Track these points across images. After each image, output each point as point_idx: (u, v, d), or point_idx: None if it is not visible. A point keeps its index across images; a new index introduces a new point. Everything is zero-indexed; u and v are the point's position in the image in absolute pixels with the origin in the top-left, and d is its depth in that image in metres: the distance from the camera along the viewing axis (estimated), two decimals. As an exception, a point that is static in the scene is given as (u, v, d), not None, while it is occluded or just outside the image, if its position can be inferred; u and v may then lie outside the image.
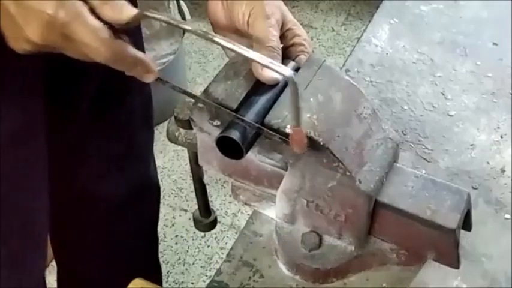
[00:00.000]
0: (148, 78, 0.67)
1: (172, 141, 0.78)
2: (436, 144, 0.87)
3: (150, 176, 1.21)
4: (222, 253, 1.83)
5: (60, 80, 0.89)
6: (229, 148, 0.68)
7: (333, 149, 0.66)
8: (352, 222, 0.70)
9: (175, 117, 0.74)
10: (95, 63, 0.65)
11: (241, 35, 0.75)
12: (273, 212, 0.75)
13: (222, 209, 1.93)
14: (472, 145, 0.87)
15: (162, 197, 1.35)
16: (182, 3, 1.96)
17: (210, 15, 0.78)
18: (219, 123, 0.69)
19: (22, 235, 0.95)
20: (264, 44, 0.71)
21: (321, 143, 0.66)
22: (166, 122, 0.78)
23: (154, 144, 1.20)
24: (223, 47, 0.64)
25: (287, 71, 0.62)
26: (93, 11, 0.62)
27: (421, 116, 0.91)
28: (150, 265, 1.34)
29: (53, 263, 1.47)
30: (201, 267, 1.82)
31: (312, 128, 0.66)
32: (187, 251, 1.86)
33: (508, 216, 0.80)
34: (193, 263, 1.83)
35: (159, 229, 1.31)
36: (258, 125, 0.67)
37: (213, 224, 0.88)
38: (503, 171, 0.84)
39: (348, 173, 0.67)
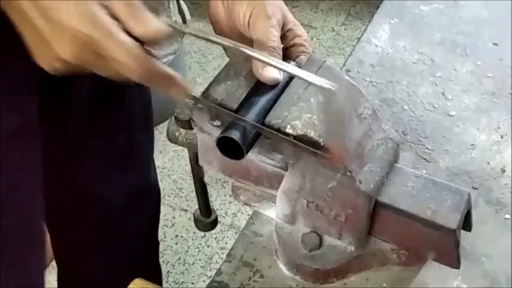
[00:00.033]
0: (179, 96, 0.66)
1: (172, 141, 0.78)
2: (436, 144, 0.87)
3: (150, 177, 1.21)
4: (222, 253, 1.83)
5: (58, 80, 0.89)
6: (230, 148, 0.68)
7: (332, 149, 0.66)
8: (352, 223, 0.70)
9: (176, 118, 0.74)
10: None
11: (242, 35, 0.75)
12: (273, 212, 0.75)
13: (222, 209, 1.93)
14: (472, 145, 0.87)
15: (162, 197, 1.35)
16: (182, 3, 1.96)
17: (210, 16, 0.78)
18: (219, 123, 0.69)
19: (21, 235, 0.95)
20: (265, 44, 0.71)
21: (321, 143, 0.66)
22: (166, 122, 0.78)
23: (155, 144, 1.20)
24: (248, 55, 0.64)
25: (324, 82, 0.61)
26: (123, 28, 0.60)
27: (421, 116, 0.91)
28: (150, 266, 1.34)
29: (53, 263, 1.47)
30: (201, 267, 1.82)
31: (312, 128, 0.66)
32: (187, 251, 1.86)
33: (508, 216, 0.80)
34: (193, 263, 1.83)
35: (159, 229, 1.31)
36: (258, 125, 0.67)
37: (214, 224, 0.88)
38: (503, 171, 0.84)
39: (348, 173, 0.67)
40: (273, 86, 0.71)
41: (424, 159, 0.85)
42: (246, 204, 0.79)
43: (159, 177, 1.27)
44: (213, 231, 1.83)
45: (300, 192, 0.71)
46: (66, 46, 0.60)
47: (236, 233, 1.87)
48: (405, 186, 0.70)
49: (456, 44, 1.02)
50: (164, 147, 2.09)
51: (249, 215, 0.86)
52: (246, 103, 0.69)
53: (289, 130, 0.67)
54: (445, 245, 0.68)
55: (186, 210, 1.95)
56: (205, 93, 0.70)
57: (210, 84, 0.71)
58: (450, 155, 0.86)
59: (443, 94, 0.94)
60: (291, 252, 0.73)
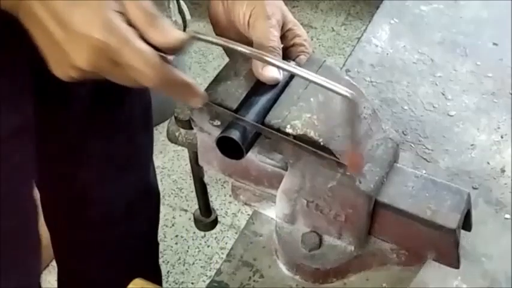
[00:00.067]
0: (196, 103, 0.66)
1: (172, 141, 0.78)
2: (436, 144, 0.87)
3: (150, 178, 1.21)
4: (222, 253, 1.83)
5: (55, 79, 0.89)
6: (230, 148, 0.68)
7: (333, 149, 0.67)
8: (352, 222, 0.70)
9: (176, 118, 0.74)
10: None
11: (242, 35, 0.75)
12: (273, 212, 0.75)
13: (222, 209, 1.93)
14: (472, 145, 0.87)
15: (162, 197, 1.35)
16: (182, 3, 1.96)
17: (210, 16, 0.78)
18: (219, 123, 0.69)
19: (21, 235, 0.95)
20: (265, 44, 0.71)
21: (321, 143, 0.66)
22: (166, 122, 0.78)
23: (155, 144, 1.20)
24: (251, 56, 0.64)
25: (344, 90, 0.60)
26: (140, 35, 0.60)
27: (421, 116, 0.91)
28: (150, 266, 1.35)
29: (53, 263, 1.47)
30: (201, 267, 1.82)
31: (312, 128, 0.66)
32: (187, 251, 1.86)
33: (508, 216, 0.80)
34: (193, 263, 1.83)
35: (159, 229, 1.32)
36: (258, 125, 0.67)
37: (214, 224, 0.88)
38: (503, 171, 0.84)
39: (348, 173, 0.67)
40: (273, 86, 0.71)
41: (424, 159, 0.85)
42: (245, 204, 0.79)
43: (159, 177, 1.27)
44: (213, 231, 1.83)
45: (300, 192, 0.71)
46: (82, 54, 0.60)
47: (236, 233, 1.87)
48: (405, 186, 0.70)
49: (456, 44, 1.02)
50: (164, 147, 2.09)
51: (248, 215, 0.86)
52: (246, 103, 0.69)
53: (289, 130, 0.67)
54: (444, 245, 0.68)
55: (186, 210, 1.95)
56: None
57: (209, 84, 0.71)
58: (450, 155, 0.86)
59: (443, 94, 0.94)
60: (290, 252, 0.73)
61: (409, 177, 0.71)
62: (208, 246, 1.87)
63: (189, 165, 0.82)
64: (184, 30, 0.67)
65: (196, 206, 0.87)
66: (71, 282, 1.32)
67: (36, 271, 1.05)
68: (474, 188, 0.82)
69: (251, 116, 0.68)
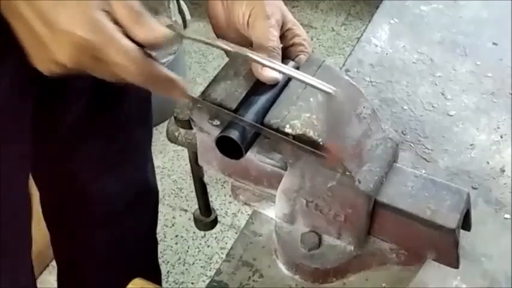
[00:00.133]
0: (179, 98, 0.66)
1: (172, 141, 0.78)
2: (435, 144, 0.87)
3: (148, 177, 1.21)
4: (222, 253, 1.83)
5: (54, 79, 0.89)
6: (229, 148, 0.68)
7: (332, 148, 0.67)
8: (351, 222, 0.70)
9: (175, 117, 0.74)
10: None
11: (241, 35, 0.75)
12: (273, 211, 0.75)
13: (222, 209, 1.93)
14: (471, 145, 0.87)
15: (162, 197, 1.35)
16: (182, 3, 1.96)
17: (209, 16, 0.78)
18: (218, 123, 0.69)
19: (21, 235, 0.95)
20: (264, 44, 0.71)
21: (321, 143, 0.66)
22: (166, 122, 0.78)
23: (154, 144, 1.20)
24: (250, 59, 0.64)
25: (326, 86, 0.61)
26: (124, 31, 0.61)
27: (420, 116, 0.91)
28: (150, 265, 1.35)
29: (53, 263, 1.47)
30: (201, 267, 1.82)
31: (311, 128, 0.66)
32: (187, 251, 1.86)
33: (507, 216, 0.80)
34: (193, 263, 1.83)
35: (159, 229, 1.32)
36: (257, 125, 0.67)
37: (214, 223, 0.88)
38: (503, 171, 0.84)
39: (347, 173, 0.67)
40: (272, 86, 0.71)
41: (424, 159, 0.85)
42: (245, 204, 0.79)
43: (159, 177, 1.27)
44: (213, 231, 1.83)
45: (300, 191, 0.71)
46: (65, 50, 0.60)
47: (236, 233, 1.87)
48: (404, 186, 0.70)
49: (456, 44, 1.02)
50: (164, 147, 2.09)
51: (248, 214, 0.86)
52: (245, 103, 0.69)
53: (288, 130, 0.67)
54: (444, 244, 0.68)
55: (186, 210, 1.95)
56: (205, 93, 0.70)
57: (209, 84, 0.71)
58: (450, 155, 0.86)
59: (442, 94, 0.94)
60: (290, 252, 0.73)
61: (409, 177, 0.71)
62: (208, 246, 1.87)
63: (189, 165, 0.82)
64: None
65: (196, 206, 0.87)
66: (71, 282, 1.32)
67: (31, 271, 1.05)
68: (474, 188, 0.82)
69: (250, 115, 0.68)
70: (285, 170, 0.72)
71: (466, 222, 0.70)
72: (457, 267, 0.70)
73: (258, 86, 0.70)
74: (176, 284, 1.78)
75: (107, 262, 1.24)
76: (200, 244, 1.87)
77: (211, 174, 0.80)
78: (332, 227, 0.72)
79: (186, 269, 1.82)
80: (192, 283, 1.79)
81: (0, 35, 0.66)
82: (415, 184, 0.70)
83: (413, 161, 0.85)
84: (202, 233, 1.86)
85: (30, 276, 1.07)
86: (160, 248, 1.38)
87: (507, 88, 0.95)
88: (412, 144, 0.87)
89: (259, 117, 0.68)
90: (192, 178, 0.83)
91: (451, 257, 0.70)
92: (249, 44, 0.73)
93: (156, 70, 0.63)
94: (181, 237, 1.89)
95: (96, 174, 1.10)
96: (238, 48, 0.64)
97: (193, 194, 0.86)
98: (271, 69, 0.69)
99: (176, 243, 1.87)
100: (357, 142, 0.69)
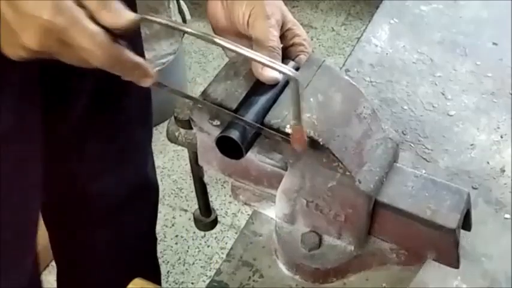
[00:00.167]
0: (146, 83, 0.67)
1: (172, 141, 0.78)
2: (435, 144, 0.87)
3: (149, 175, 1.21)
4: (222, 253, 1.83)
5: (54, 79, 0.89)
6: (229, 148, 0.68)
7: (332, 148, 0.67)
8: (352, 222, 0.70)
9: (175, 117, 0.74)
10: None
11: (241, 35, 0.75)
12: (273, 212, 0.75)
13: (222, 209, 1.93)
14: (472, 145, 0.87)
15: (162, 197, 1.35)
16: (182, 3, 1.96)
17: (209, 16, 0.78)
18: (218, 123, 0.69)
19: (21, 235, 0.95)
20: (264, 44, 0.71)
21: (321, 143, 0.66)
22: (166, 122, 0.78)
23: (154, 144, 1.20)
24: (222, 47, 0.64)
25: (287, 69, 0.62)
26: (91, 16, 0.61)
27: (420, 116, 0.91)
28: (150, 264, 1.35)
29: (53, 263, 1.47)
30: (201, 267, 1.82)
31: (311, 128, 0.66)
32: (187, 251, 1.86)
33: (507, 216, 0.80)
34: (193, 263, 1.83)
35: (159, 229, 1.32)
36: (257, 125, 0.67)
37: (214, 223, 0.88)
38: (503, 171, 0.84)
39: (347, 173, 0.67)
40: (273, 86, 0.71)
41: (424, 159, 0.85)
42: (245, 204, 0.79)
43: (159, 177, 1.27)
44: (213, 231, 1.83)
45: (300, 191, 0.71)
46: (31, 34, 0.61)
47: (236, 233, 1.87)
48: (405, 186, 0.70)
49: (456, 44, 1.02)
50: (164, 147, 2.09)
51: (248, 214, 0.86)
52: (246, 103, 0.69)
53: (288, 130, 0.67)
54: (444, 244, 0.68)
55: (186, 210, 1.95)
56: (205, 93, 0.70)
57: (209, 84, 0.71)
58: (450, 155, 0.86)
59: (442, 94, 0.94)
60: (290, 252, 0.73)
61: (409, 177, 0.71)
62: (208, 246, 1.87)
63: (189, 165, 0.82)
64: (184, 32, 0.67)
65: (196, 206, 0.87)
66: (71, 282, 1.32)
67: (34, 271, 1.04)
68: (474, 188, 0.82)
69: (251, 115, 0.68)
70: (285, 170, 0.72)
71: (466, 222, 0.70)
72: (457, 267, 0.70)
73: (258, 86, 0.70)
74: (176, 284, 1.78)
75: (106, 262, 1.24)
76: (200, 244, 1.87)
77: (211, 174, 0.80)
78: (332, 227, 0.72)
79: (186, 269, 1.82)
80: (192, 283, 1.79)
81: None
82: (416, 184, 0.70)
83: (413, 161, 0.85)
84: (202, 233, 1.86)
85: (34, 276, 1.07)
86: (160, 248, 1.38)
87: (507, 88, 0.95)
88: (412, 144, 0.87)
89: (259, 117, 0.68)
90: (192, 178, 0.83)
91: (451, 257, 0.70)
92: (249, 44, 0.73)
93: (123, 54, 0.64)
94: (181, 237, 1.89)
95: (96, 174, 1.10)
96: (233, 45, 0.64)
97: (193, 194, 0.86)
98: (271, 70, 0.69)
99: (176, 243, 1.87)
100: (357, 142, 0.69)
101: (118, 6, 0.62)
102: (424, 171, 0.82)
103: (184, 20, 1.96)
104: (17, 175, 0.89)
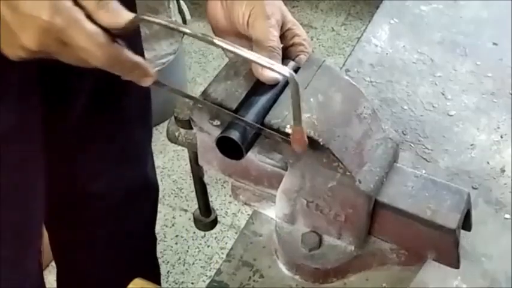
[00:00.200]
0: (146, 82, 0.67)
1: (172, 141, 0.78)
2: (436, 144, 0.87)
3: (149, 175, 1.21)
4: (222, 253, 1.83)
5: (54, 79, 0.89)
6: (229, 148, 0.68)
7: (333, 149, 0.67)
8: (352, 222, 0.70)
9: (175, 117, 0.74)
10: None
11: (241, 35, 0.75)
12: (273, 212, 0.75)
13: (222, 209, 1.93)
14: (472, 145, 0.87)
15: (162, 197, 1.35)
16: (182, 3, 1.96)
17: (209, 16, 0.78)
18: (219, 123, 0.69)
19: (21, 235, 0.95)
20: (264, 44, 0.71)
21: (321, 143, 0.66)
22: (166, 122, 0.78)
23: (154, 144, 1.20)
24: (222, 48, 0.64)
25: (286, 71, 0.62)
26: (89, 16, 0.61)
27: (421, 116, 0.91)
28: (150, 264, 1.35)
29: (53, 263, 1.47)
30: (201, 267, 1.82)
31: (312, 128, 0.66)
32: (187, 251, 1.86)
33: (508, 216, 0.80)
34: (193, 263, 1.83)
35: (159, 229, 1.32)
36: (258, 125, 0.67)
37: (214, 224, 0.88)
38: (503, 171, 0.84)
39: (347, 173, 0.67)
40: (273, 86, 0.71)
41: (424, 159, 0.85)
42: (245, 204, 0.79)
43: (159, 178, 1.26)
44: (213, 231, 1.83)
45: (300, 192, 0.71)
46: (30, 34, 0.61)
47: (236, 233, 1.87)
48: (405, 186, 0.70)
49: (456, 44, 1.02)
50: (164, 147, 2.09)
51: (248, 214, 0.86)
52: (246, 103, 0.69)
53: (288, 130, 0.67)
54: (444, 244, 0.68)
55: (186, 210, 1.95)
56: (205, 93, 0.70)
57: (209, 84, 0.71)
58: (450, 155, 0.86)
59: (443, 94, 0.94)
60: (290, 252, 0.73)
61: (409, 177, 0.71)
62: (208, 246, 1.87)
63: (189, 165, 0.82)
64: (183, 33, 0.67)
65: (196, 206, 0.87)
66: (71, 282, 1.31)
67: (37, 271, 1.04)
68: (474, 188, 0.82)
69: (251, 116, 0.68)
70: (286, 170, 0.72)
71: (466, 223, 0.70)
72: (457, 267, 0.70)
73: (259, 86, 0.70)
74: (176, 284, 1.78)
75: (106, 262, 1.24)
76: (200, 244, 1.87)
77: (211, 174, 0.80)
78: (332, 227, 0.72)
79: (186, 269, 1.82)
80: (192, 283, 1.79)
81: None
82: (416, 184, 0.70)
83: (413, 161, 0.85)
84: (202, 233, 1.86)
85: (40, 277, 1.07)
86: (160, 248, 1.38)
87: (507, 88, 0.95)
88: (412, 144, 0.87)
89: (259, 118, 0.68)
90: (192, 178, 0.83)
91: (451, 257, 0.70)
92: (249, 44, 0.73)
93: (122, 54, 0.64)
94: (181, 237, 1.89)
95: (96, 174, 1.10)
96: (231, 45, 0.64)
97: (193, 194, 0.86)
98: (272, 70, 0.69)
99: (176, 243, 1.87)
100: (358, 142, 0.69)
101: (116, 6, 0.62)
102: (424, 171, 0.82)
103: (184, 20, 1.96)
104: (17, 175, 0.89)
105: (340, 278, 0.73)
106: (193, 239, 1.88)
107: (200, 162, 0.78)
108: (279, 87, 0.71)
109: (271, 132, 0.67)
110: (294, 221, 0.74)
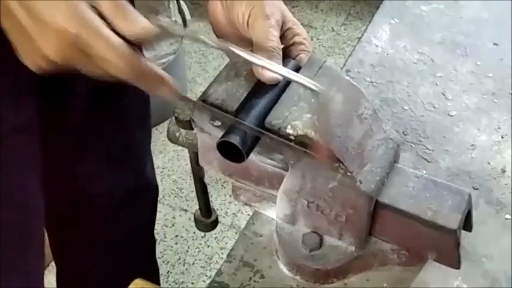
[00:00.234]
0: (170, 96, 0.65)
1: (172, 142, 0.78)
2: (436, 144, 0.87)
3: (148, 175, 1.21)
4: (222, 253, 1.83)
5: (54, 79, 0.89)
6: (230, 151, 0.67)
7: (333, 149, 0.66)
8: (352, 223, 0.70)
9: (176, 118, 0.74)
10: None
11: (241, 35, 0.75)
12: (274, 212, 0.75)
13: (222, 209, 1.93)
14: (472, 145, 0.87)
15: (162, 197, 1.35)
16: (182, 3, 1.96)
17: (209, 16, 0.78)
18: (219, 123, 0.69)
19: (21, 235, 0.95)
20: (264, 44, 0.71)
21: (321, 143, 0.66)
22: (166, 122, 0.78)
23: (154, 144, 1.20)
24: (244, 59, 0.64)
25: (314, 85, 0.61)
26: (109, 25, 0.60)
27: (421, 116, 0.91)
28: (149, 264, 1.35)
29: (53, 263, 1.47)
30: (201, 267, 1.82)
31: (312, 128, 0.66)
32: (187, 251, 1.86)
33: (508, 216, 0.80)
34: (193, 263, 1.83)
35: (159, 229, 1.32)
36: (258, 129, 0.67)
37: (214, 224, 0.88)
38: (503, 171, 0.84)
39: (348, 174, 0.67)
40: (274, 86, 0.71)
41: (425, 159, 0.85)
42: (246, 204, 0.79)
43: (159, 177, 1.27)
44: (213, 231, 1.83)
45: (301, 192, 0.71)
46: (53, 45, 0.60)
47: (236, 233, 1.87)
48: (406, 187, 0.70)
49: (456, 44, 1.02)
50: (164, 147, 2.09)
51: (249, 215, 0.86)
52: (247, 103, 0.69)
53: (289, 130, 0.67)
54: (445, 245, 0.68)
55: (186, 210, 1.95)
56: (206, 94, 0.70)
57: (210, 85, 0.71)
58: (450, 155, 0.86)
59: (443, 94, 0.94)
60: (291, 253, 0.73)
61: (410, 178, 0.71)
62: (208, 246, 1.87)
63: (189, 165, 0.82)
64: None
65: (197, 206, 0.87)
66: (71, 282, 1.31)
67: (37, 271, 1.04)
68: (475, 189, 0.82)
69: (252, 119, 0.67)
70: (286, 170, 0.71)
71: (467, 223, 0.70)
72: (458, 267, 0.70)
73: (259, 87, 0.70)
74: (176, 284, 1.78)
75: (106, 262, 1.24)
76: (200, 244, 1.87)
77: (211, 175, 0.80)
78: (333, 227, 0.72)
79: (186, 269, 1.82)
80: (192, 283, 1.79)
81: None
82: (416, 185, 0.70)
83: (414, 162, 0.85)
84: (202, 233, 1.86)
85: (40, 278, 1.07)
86: (160, 248, 1.38)
87: (508, 88, 0.95)
88: (413, 145, 0.87)
89: (260, 119, 0.68)
90: (192, 178, 0.83)
91: (452, 258, 0.69)
92: (249, 44, 0.73)
93: (146, 67, 0.63)
94: (181, 237, 1.89)
95: (96, 174, 1.10)
96: (229, 46, 0.64)
97: (194, 194, 0.86)
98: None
99: (176, 243, 1.87)
100: (358, 143, 0.69)
101: (135, 14, 0.61)
102: (424, 171, 0.82)
103: (184, 20, 1.96)
104: (17, 175, 0.89)
105: (341, 278, 0.73)
106: (193, 239, 1.88)
107: (201, 162, 0.77)
108: (280, 88, 0.71)
109: (273, 136, 0.67)
110: (295, 222, 0.73)
